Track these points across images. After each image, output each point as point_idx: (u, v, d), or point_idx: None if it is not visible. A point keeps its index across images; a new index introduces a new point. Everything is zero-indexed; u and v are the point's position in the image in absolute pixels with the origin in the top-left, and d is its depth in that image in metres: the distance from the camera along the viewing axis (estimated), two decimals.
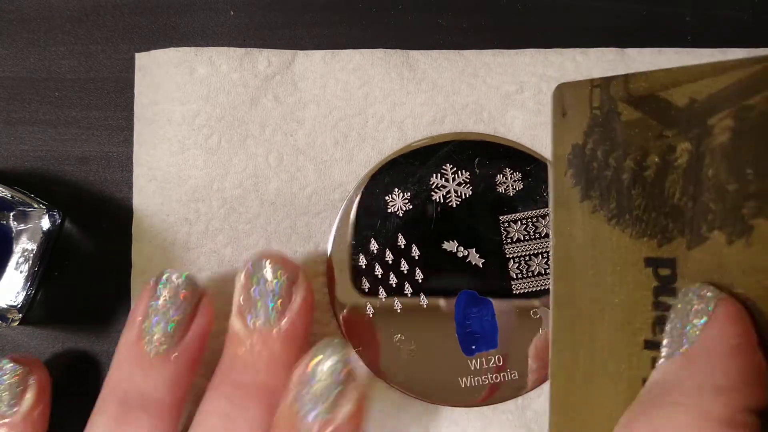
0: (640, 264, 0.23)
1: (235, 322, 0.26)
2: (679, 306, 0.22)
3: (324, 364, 0.24)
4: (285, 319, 0.25)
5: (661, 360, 0.22)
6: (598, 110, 0.24)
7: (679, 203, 0.22)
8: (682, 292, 0.22)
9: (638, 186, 0.23)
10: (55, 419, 0.29)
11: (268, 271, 0.25)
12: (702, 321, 0.21)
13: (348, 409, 0.23)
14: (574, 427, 0.24)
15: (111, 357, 0.29)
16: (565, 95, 0.25)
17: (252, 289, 0.25)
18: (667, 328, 0.22)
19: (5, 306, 0.27)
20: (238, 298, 0.26)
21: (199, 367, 0.27)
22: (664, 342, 0.22)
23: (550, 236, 0.25)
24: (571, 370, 0.24)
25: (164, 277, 0.26)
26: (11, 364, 0.26)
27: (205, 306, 0.26)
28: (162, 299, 0.25)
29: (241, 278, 0.26)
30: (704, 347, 0.21)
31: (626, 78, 0.23)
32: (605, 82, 0.24)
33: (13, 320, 0.28)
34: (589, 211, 0.24)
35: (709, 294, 0.21)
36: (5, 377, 0.26)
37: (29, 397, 0.26)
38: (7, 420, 0.26)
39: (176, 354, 0.25)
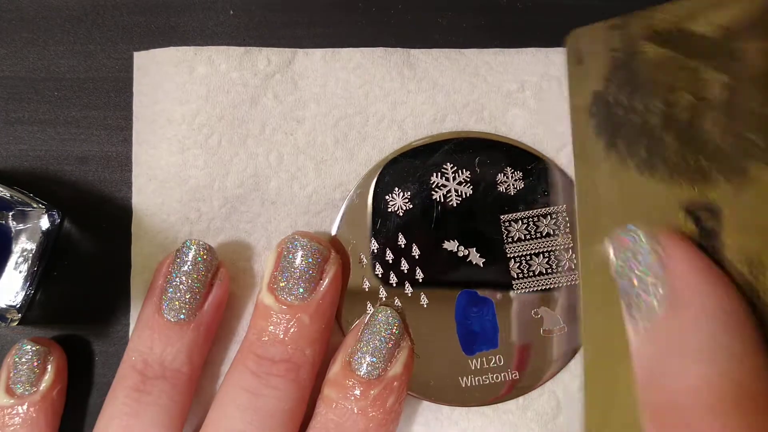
0: (678, 212, 0.21)
1: (265, 297, 0.26)
2: (628, 268, 0.20)
3: (380, 316, 0.27)
4: (315, 295, 0.26)
5: (641, 327, 0.20)
6: (618, 52, 0.22)
7: (718, 142, 0.20)
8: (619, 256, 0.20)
9: (670, 128, 0.21)
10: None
11: (301, 248, 0.26)
12: (661, 259, 0.20)
13: (398, 368, 0.26)
14: (610, 417, 0.22)
15: (110, 357, 0.29)
16: (579, 41, 0.23)
17: (284, 265, 0.26)
18: (630, 299, 0.20)
19: (4, 306, 0.27)
20: (269, 273, 0.27)
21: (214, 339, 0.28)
22: (636, 312, 0.20)
23: (575, 196, 0.23)
24: (605, 346, 0.22)
25: (184, 246, 0.26)
26: (31, 345, 0.27)
27: (222, 276, 0.27)
28: (182, 268, 0.26)
29: (273, 254, 0.27)
30: (679, 289, 0.20)
31: (648, 13, 0.21)
32: (624, 22, 0.22)
33: (12, 320, 0.28)
34: (617, 162, 0.22)
35: (649, 239, 0.20)
36: (26, 358, 0.27)
37: (49, 376, 0.27)
38: (27, 399, 0.27)
39: (194, 323, 0.26)
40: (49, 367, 0.27)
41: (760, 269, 0.19)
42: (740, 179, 0.19)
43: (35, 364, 0.27)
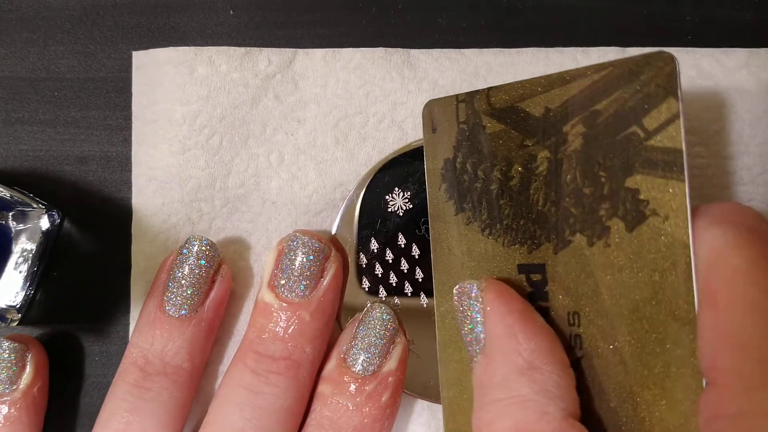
0: (513, 271, 0.24)
1: (266, 294, 0.26)
2: (461, 309, 0.23)
3: (375, 312, 0.27)
4: (316, 293, 0.26)
5: (473, 363, 0.23)
6: (464, 124, 0.24)
7: (543, 209, 0.23)
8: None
9: (506, 195, 0.23)
10: (55, 418, 0.29)
11: (302, 246, 0.26)
12: (478, 315, 0.23)
13: (393, 363, 0.26)
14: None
15: (110, 357, 0.29)
16: (433, 111, 0.25)
17: (285, 263, 0.26)
18: (462, 333, 0.23)
19: (4, 306, 0.27)
20: (270, 270, 0.27)
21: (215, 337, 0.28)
22: (468, 348, 0.23)
23: (431, 250, 0.26)
24: (461, 381, 0.25)
25: (188, 242, 0.27)
26: (8, 343, 0.27)
27: (224, 273, 0.27)
28: (185, 264, 0.26)
29: (273, 252, 0.27)
30: (493, 337, 0.22)
31: (488, 91, 0.24)
32: (469, 97, 0.24)
33: (12, 320, 0.28)
34: (464, 223, 0.24)
35: (475, 288, 0.23)
36: (3, 355, 0.27)
37: (28, 373, 0.27)
38: (7, 397, 0.27)
39: (196, 318, 0.26)
40: (29, 364, 0.27)
41: (576, 320, 0.22)
42: (558, 243, 0.22)
43: (13, 361, 0.27)
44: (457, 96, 0.25)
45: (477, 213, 0.24)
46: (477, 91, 0.24)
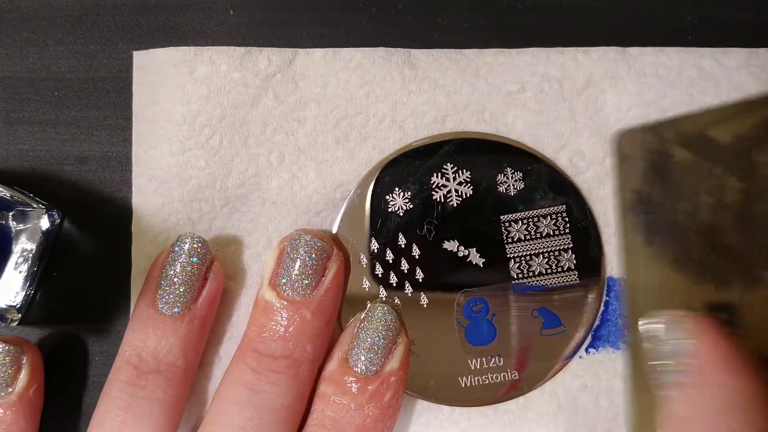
0: (701, 309, 0.23)
1: (267, 292, 0.26)
2: (657, 340, 0.23)
3: (377, 312, 0.27)
4: (317, 291, 0.26)
5: (669, 395, 0.22)
6: (653, 154, 0.24)
7: (732, 242, 0.22)
8: (653, 325, 0.23)
9: (695, 228, 0.23)
10: (55, 418, 0.29)
11: (304, 245, 0.26)
12: (680, 348, 0.22)
13: (395, 363, 0.26)
14: None
15: (110, 357, 0.29)
16: (622, 142, 0.25)
17: (287, 261, 0.26)
18: (653, 364, 0.23)
19: (4, 306, 0.27)
20: (271, 269, 0.27)
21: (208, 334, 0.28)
22: (660, 379, 0.22)
23: (624, 282, 0.25)
24: (649, 410, 0.24)
25: (179, 240, 0.27)
26: (2, 345, 0.27)
27: (216, 270, 0.27)
28: (176, 261, 0.26)
29: (275, 250, 0.27)
30: (698, 371, 0.22)
31: (675, 120, 0.23)
32: (657, 126, 0.24)
33: (12, 320, 0.28)
34: (653, 256, 0.24)
35: (685, 321, 0.22)
36: None
37: (23, 376, 0.27)
38: (3, 400, 0.26)
39: (188, 316, 0.26)
40: (24, 366, 0.27)
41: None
42: (747, 278, 0.21)
43: (8, 364, 0.26)
44: (644, 125, 0.24)
45: (666, 246, 0.24)
46: (664, 120, 0.24)
